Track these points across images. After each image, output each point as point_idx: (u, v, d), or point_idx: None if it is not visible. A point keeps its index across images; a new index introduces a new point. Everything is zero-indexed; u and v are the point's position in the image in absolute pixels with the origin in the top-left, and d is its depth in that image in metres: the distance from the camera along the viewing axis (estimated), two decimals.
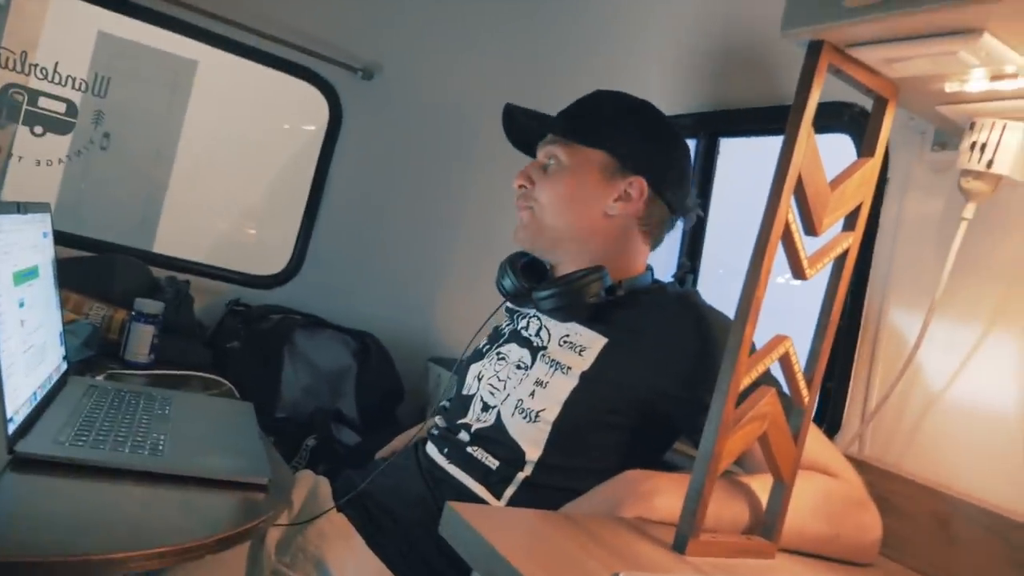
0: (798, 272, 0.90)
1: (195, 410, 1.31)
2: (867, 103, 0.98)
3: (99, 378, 1.38)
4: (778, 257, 0.87)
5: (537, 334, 1.25)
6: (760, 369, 0.88)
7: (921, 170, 1.13)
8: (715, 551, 0.87)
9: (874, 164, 0.93)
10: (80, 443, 0.95)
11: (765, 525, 0.94)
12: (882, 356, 1.14)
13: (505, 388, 1.21)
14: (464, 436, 1.21)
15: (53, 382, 1.13)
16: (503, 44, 2.15)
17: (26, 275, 1.04)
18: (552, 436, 1.12)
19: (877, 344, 1.15)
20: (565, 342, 1.19)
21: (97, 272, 1.77)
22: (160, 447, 1.01)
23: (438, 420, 1.29)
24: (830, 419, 1.19)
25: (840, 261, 0.93)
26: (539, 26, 2.08)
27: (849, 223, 0.93)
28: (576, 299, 1.16)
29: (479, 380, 1.26)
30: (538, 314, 1.27)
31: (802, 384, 0.92)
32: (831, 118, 1.24)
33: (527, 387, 1.17)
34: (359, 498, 1.19)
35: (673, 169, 1.26)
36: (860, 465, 1.10)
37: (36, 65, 1.91)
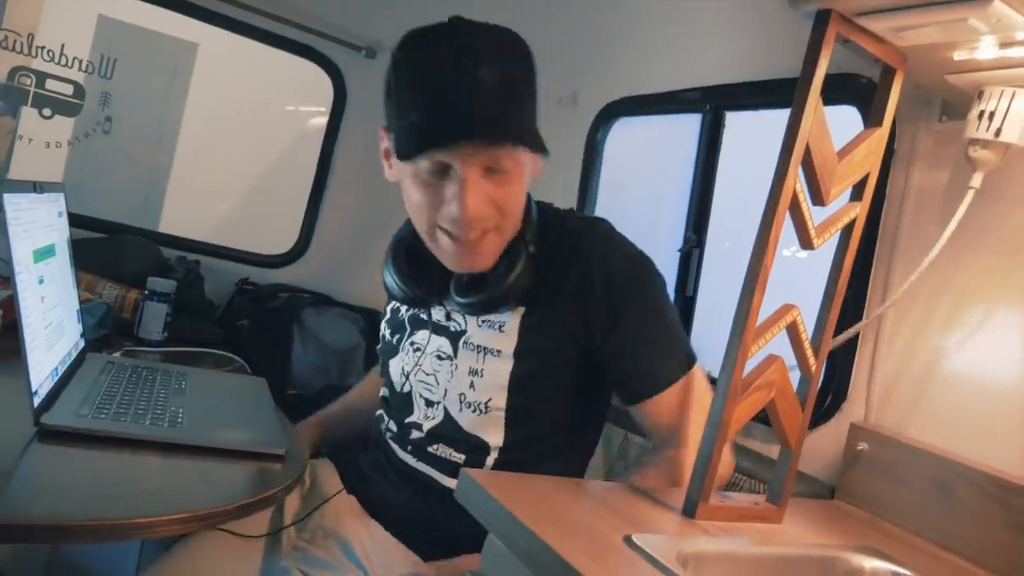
0: (806, 241, 0.91)
1: (210, 385, 1.33)
2: (874, 74, 0.98)
3: (115, 355, 1.41)
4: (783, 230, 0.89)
5: (448, 318, 1.15)
6: (768, 337, 0.90)
7: (928, 141, 1.13)
8: (723, 515, 0.89)
9: (881, 134, 0.94)
10: (102, 416, 0.98)
11: (772, 491, 0.96)
12: (887, 325, 1.15)
13: (439, 382, 1.14)
14: (418, 435, 1.16)
15: (72, 358, 1.15)
16: (506, 20, 2.14)
17: (44, 253, 1.05)
18: (508, 420, 1.10)
19: (883, 313, 1.16)
20: (484, 321, 1.11)
21: (109, 252, 1.79)
22: (179, 419, 1.03)
23: (388, 420, 1.23)
24: (836, 387, 1.20)
25: (847, 231, 0.94)
26: (540, 1, 2.08)
27: (857, 193, 0.95)
28: (508, 297, 1.07)
29: (407, 377, 1.19)
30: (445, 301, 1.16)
31: (809, 352, 0.93)
32: (838, 90, 1.24)
33: (463, 379, 1.11)
34: (358, 488, 1.21)
35: None
36: (866, 433, 1.12)
37: (43, 48, 1.91)
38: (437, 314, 1.17)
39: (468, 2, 2.14)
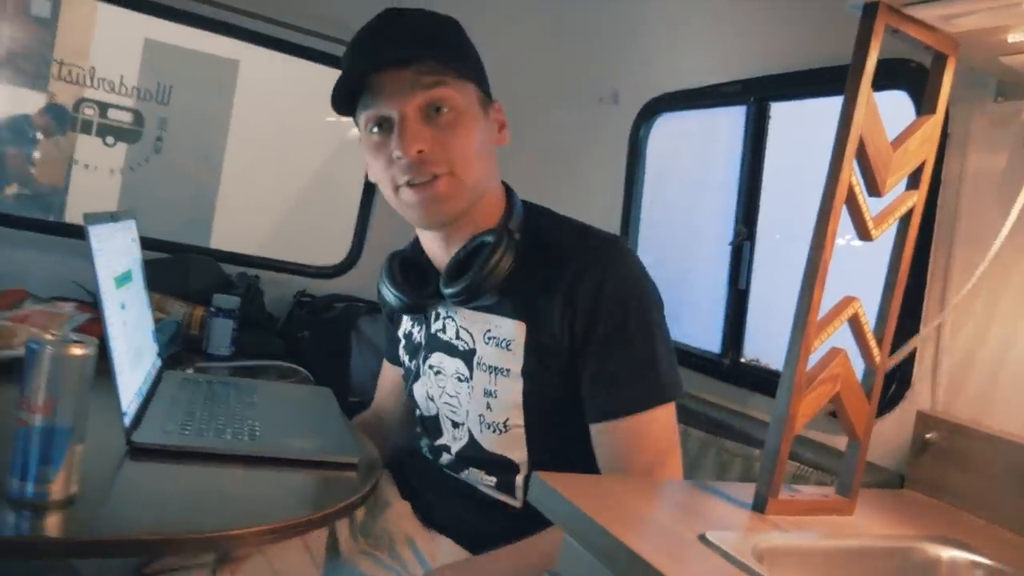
0: (864, 233, 0.91)
1: (279, 397, 1.38)
2: (925, 59, 0.98)
3: (189, 371, 1.46)
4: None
5: (458, 336, 1.15)
6: (830, 331, 0.90)
7: (983, 123, 1.12)
8: (794, 509, 0.90)
9: (936, 121, 0.94)
10: (186, 431, 1.02)
11: (842, 483, 0.96)
12: (949, 312, 1.14)
13: (461, 404, 1.15)
14: (449, 457, 1.18)
15: (152, 377, 1.21)
16: (544, 23, 2.16)
17: (123, 279, 1.11)
18: (529, 438, 1.09)
19: (945, 299, 1.15)
20: (490, 338, 1.10)
21: (174, 272, 1.85)
22: (256, 432, 1.08)
23: (423, 438, 1.25)
24: (900, 377, 1.20)
25: (905, 220, 0.94)
26: (577, 2, 2.09)
27: (913, 181, 0.94)
28: (492, 282, 1.05)
29: (432, 400, 1.20)
30: (447, 310, 1.16)
31: (872, 344, 0.94)
32: (888, 76, 1.23)
33: (480, 400, 1.11)
34: (410, 495, 1.24)
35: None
36: (934, 421, 1.12)
37: (104, 79, 1.99)
38: (447, 331, 1.16)
39: (499, 7, 2.18)
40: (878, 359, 0.94)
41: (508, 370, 1.08)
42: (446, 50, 1.06)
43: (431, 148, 1.03)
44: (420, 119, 1.03)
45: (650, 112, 1.93)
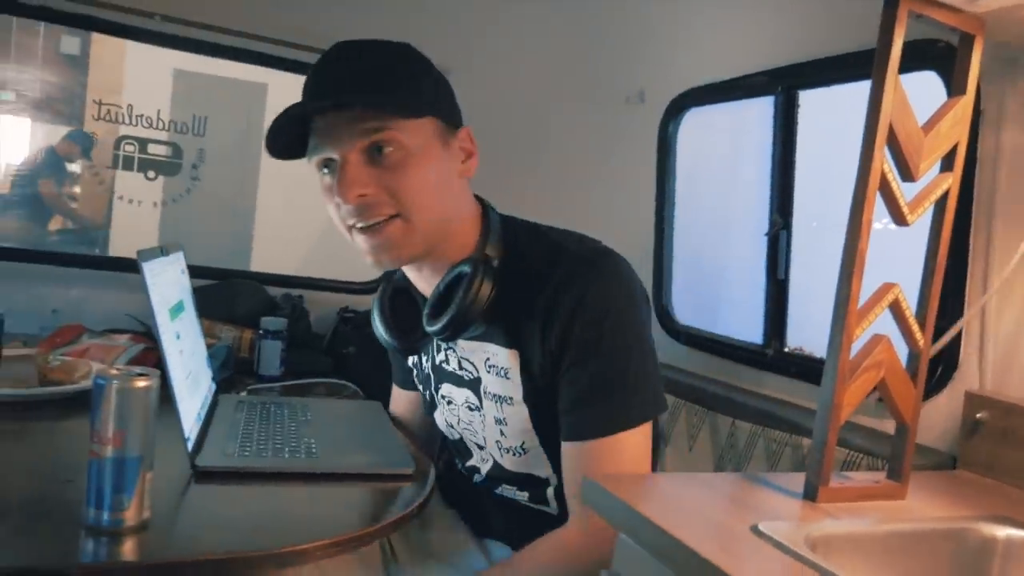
0: (899, 219, 0.91)
1: (331, 413, 1.41)
2: (952, 38, 0.98)
3: (243, 394, 1.51)
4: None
5: (461, 367, 1.15)
6: (871, 319, 0.90)
7: (1017, 99, 1.11)
8: (845, 496, 0.91)
9: (966, 102, 0.93)
10: (246, 453, 1.06)
11: (892, 468, 0.96)
12: (992, 293, 1.13)
13: (477, 431, 1.16)
14: (479, 477, 1.21)
15: (209, 402, 1.25)
16: (563, 26, 2.17)
17: (176, 310, 1.15)
18: (549, 454, 1.10)
19: (988, 279, 1.14)
20: (491, 367, 1.09)
21: (221, 298, 1.91)
22: (313, 449, 1.11)
23: (456, 458, 1.27)
24: (947, 359, 1.19)
25: (941, 203, 0.94)
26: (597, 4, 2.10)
27: (947, 164, 0.94)
28: (474, 313, 1.03)
29: (453, 427, 1.22)
30: (445, 341, 1.15)
31: (915, 328, 0.94)
32: (917, 58, 1.22)
33: (493, 428, 1.12)
34: (454, 502, 1.28)
35: (455, 99, 1.10)
36: (984, 400, 1.11)
37: (142, 115, 2.06)
38: (451, 363, 1.16)
39: (521, 14, 2.19)
40: (921, 343, 0.94)
41: (511, 398, 1.08)
42: (393, 90, 1.01)
43: (375, 191, 1.00)
44: (362, 162, 0.99)
45: (677, 108, 1.93)
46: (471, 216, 1.11)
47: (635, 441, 1.02)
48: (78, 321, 1.72)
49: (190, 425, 1.04)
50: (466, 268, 1.04)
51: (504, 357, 1.07)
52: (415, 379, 1.30)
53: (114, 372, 0.81)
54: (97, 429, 0.79)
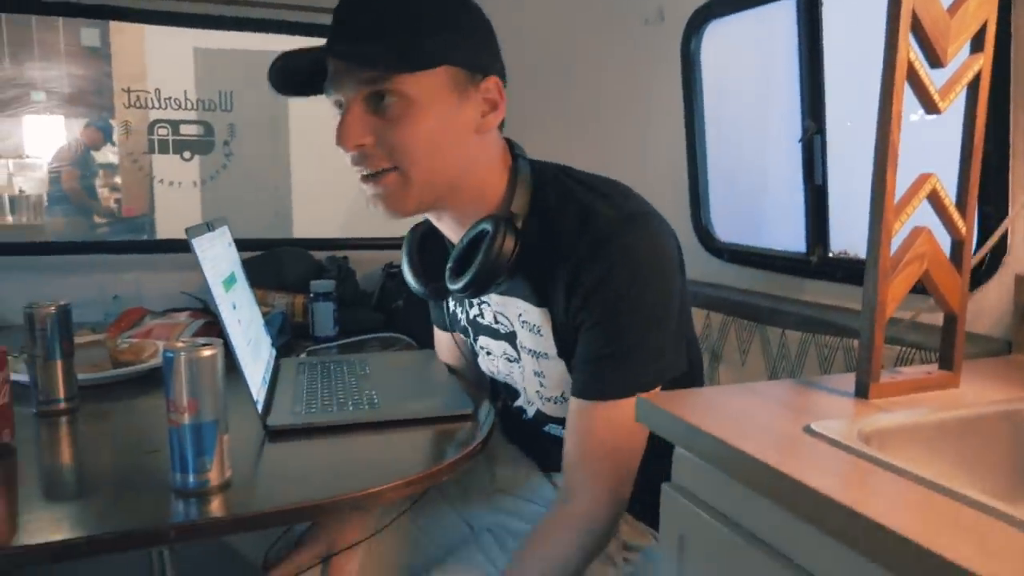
0: (931, 107, 0.90)
1: (389, 365, 1.46)
2: None
3: (302, 356, 1.57)
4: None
5: (496, 320, 1.16)
6: (909, 212, 0.90)
7: None
8: (897, 390, 0.92)
9: None
10: (312, 409, 1.11)
11: (943, 357, 0.97)
12: None
13: (517, 381, 1.19)
14: (527, 417, 1.22)
15: (271, 366, 1.31)
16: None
17: (229, 282, 1.20)
18: None
19: None
20: (524, 323, 1.10)
21: (269, 267, 1.97)
22: (375, 400, 1.16)
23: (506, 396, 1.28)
24: (995, 244, 1.17)
25: (974, 86, 0.92)
26: None
27: (976, 45, 0.92)
28: (494, 274, 1.02)
29: (495, 374, 1.25)
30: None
31: (956, 216, 0.93)
32: None
33: (533, 379, 1.14)
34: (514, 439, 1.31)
35: (492, 42, 1.06)
36: None
37: (170, 98, 2.10)
38: (485, 316, 1.18)
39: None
40: (964, 230, 0.93)
41: (547, 353, 1.09)
42: (394, 39, 0.96)
43: (372, 143, 0.98)
44: (364, 111, 0.98)
45: (698, 23, 1.89)
46: (494, 168, 1.07)
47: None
48: (139, 304, 1.79)
49: (257, 389, 1.09)
50: (487, 226, 1.03)
51: (536, 315, 1.07)
52: (456, 326, 1.31)
53: (180, 344, 0.86)
54: (172, 399, 0.84)
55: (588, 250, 0.98)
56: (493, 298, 1.14)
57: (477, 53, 1.03)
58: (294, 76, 1.03)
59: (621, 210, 1.01)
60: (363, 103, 0.98)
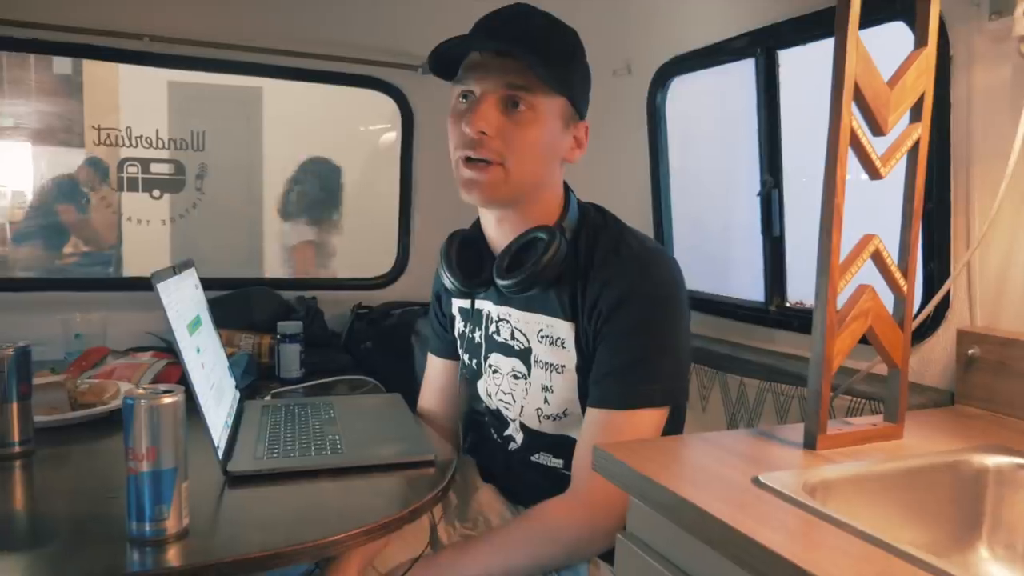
0: (873, 173, 0.95)
1: (354, 409, 1.47)
2: None
3: (267, 398, 1.57)
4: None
5: (513, 336, 1.24)
6: (853, 271, 0.94)
7: (983, 42, 1.13)
8: (843, 442, 0.95)
9: (929, 53, 0.96)
10: (275, 454, 1.12)
11: (888, 410, 1.00)
12: (977, 230, 1.16)
13: (515, 400, 1.25)
14: (515, 446, 1.28)
15: (235, 409, 1.31)
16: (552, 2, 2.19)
17: (194, 325, 1.20)
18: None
19: (970, 219, 1.17)
20: (543, 337, 1.19)
21: (237, 307, 1.97)
22: (338, 445, 1.16)
23: (491, 428, 1.34)
24: (940, 301, 1.22)
25: (913, 153, 0.97)
26: None
27: (915, 115, 0.97)
28: (544, 276, 1.14)
29: (491, 396, 1.30)
30: (499, 312, 1.25)
31: (897, 275, 0.97)
32: (882, 9, 1.25)
33: (537, 395, 1.20)
34: (495, 478, 1.33)
35: (589, 93, 1.22)
36: (974, 336, 1.14)
37: (141, 136, 2.11)
38: (502, 333, 1.25)
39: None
40: (905, 288, 0.97)
41: (563, 366, 1.17)
42: (548, 60, 1.10)
43: (494, 135, 1.10)
44: (497, 106, 1.11)
45: (663, 77, 1.96)
46: (558, 191, 1.22)
47: (651, 420, 1.11)
48: (101, 343, 1.78)
49: (219, 434, 1.09)
50: (542, 234, 1.15)
51: (562, 328, 1.16)
52: (460, 348, 1.36)
53: (141, 391, 0.86)
54: (132, 447, 0.85)
55: (617, 271, 1.12)
56: (515, 314, 1.22)
57: (584, 97, 1.19)
58: (441, 59, 1.15)
59: (646, 246, 1.17)
60: (498, 100, 1.11)
